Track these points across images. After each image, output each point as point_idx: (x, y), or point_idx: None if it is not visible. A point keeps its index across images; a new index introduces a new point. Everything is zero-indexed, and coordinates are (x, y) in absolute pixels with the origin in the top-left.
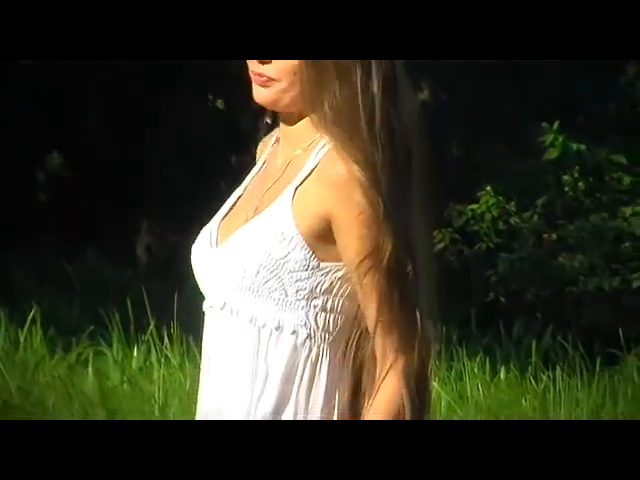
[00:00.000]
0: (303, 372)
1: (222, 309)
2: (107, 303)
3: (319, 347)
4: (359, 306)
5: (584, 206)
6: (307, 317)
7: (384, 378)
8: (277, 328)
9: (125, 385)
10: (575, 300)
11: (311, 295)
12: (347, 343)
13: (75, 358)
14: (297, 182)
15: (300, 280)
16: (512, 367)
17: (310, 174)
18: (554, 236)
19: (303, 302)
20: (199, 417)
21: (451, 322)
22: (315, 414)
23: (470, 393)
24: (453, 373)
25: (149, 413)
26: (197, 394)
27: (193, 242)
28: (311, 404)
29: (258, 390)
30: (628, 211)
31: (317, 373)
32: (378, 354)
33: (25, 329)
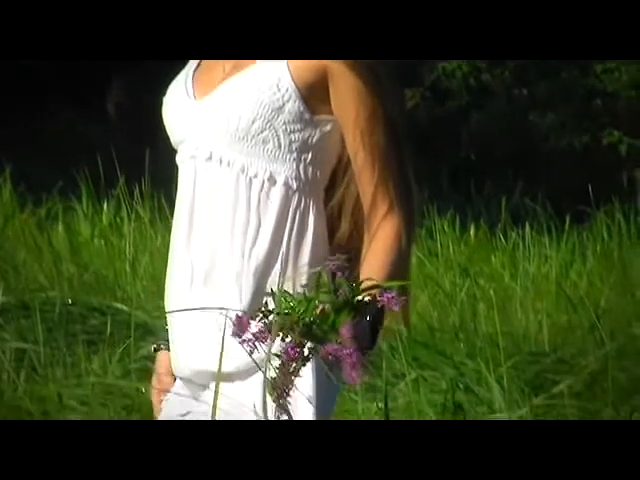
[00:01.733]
0: (293, 224)
1: (209, 159)
2: (77, 159)
3: (307, 199)
4: (348, 160)
5: (555, 63)
6: (298, 169)
7: (380, 225)
8: (269, 179)
9: (95, 240)
10: (546, 157)
11: (303, 147)
12: (334, 195)
13: (45, 213)
14: None
15: (293, 132)
16: (482, 224)
17: None
18: (525, 93)
19: (295, 154)
20: (172, 271)
21: (422, 180)
22: (303, 266)
23: (440, 250)
24: (423, 231)
25: (120, 269)
26: (168, 250)
27: (164, 96)
28: (300, 256)
29: (250, 240)
30: (600, 68)
31: (305, 225)
32: (373, 206)
33: None
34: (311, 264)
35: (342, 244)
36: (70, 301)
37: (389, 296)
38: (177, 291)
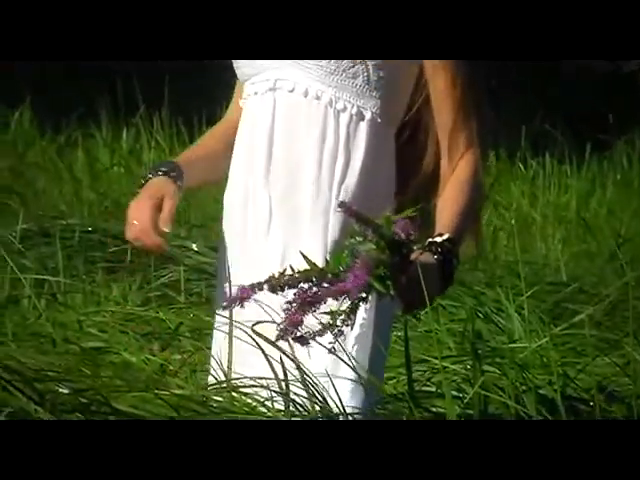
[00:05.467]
0: (377, 159)
1: (291, 92)
2: (97, 85)
3: (388, 134)
4: (428, 98)
5: None
6: (383, 105)
7: (462, 157)
8: (357, 114)
9: (115, 167)
10: (567, 80)
11: (389, 83)
12: (416, 131)
13: (65, 140)
14: None
15: (382, 68)
16: (502, 152)
17: None
18: None
19: (382, 91)
20: (242, 203)
21: None
22: (384, 196)
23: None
24: None
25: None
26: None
27: None
28: (381, 189)
29: (339, 174)
30: None
31: (387, 159)
32: (453, 140)
33: (16, 113)
34: (385, 199)
35: (428, 172)
36: (90, 228)
37: (402, 222)
38: (255, 225)
